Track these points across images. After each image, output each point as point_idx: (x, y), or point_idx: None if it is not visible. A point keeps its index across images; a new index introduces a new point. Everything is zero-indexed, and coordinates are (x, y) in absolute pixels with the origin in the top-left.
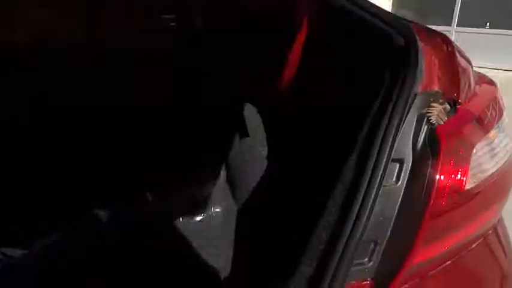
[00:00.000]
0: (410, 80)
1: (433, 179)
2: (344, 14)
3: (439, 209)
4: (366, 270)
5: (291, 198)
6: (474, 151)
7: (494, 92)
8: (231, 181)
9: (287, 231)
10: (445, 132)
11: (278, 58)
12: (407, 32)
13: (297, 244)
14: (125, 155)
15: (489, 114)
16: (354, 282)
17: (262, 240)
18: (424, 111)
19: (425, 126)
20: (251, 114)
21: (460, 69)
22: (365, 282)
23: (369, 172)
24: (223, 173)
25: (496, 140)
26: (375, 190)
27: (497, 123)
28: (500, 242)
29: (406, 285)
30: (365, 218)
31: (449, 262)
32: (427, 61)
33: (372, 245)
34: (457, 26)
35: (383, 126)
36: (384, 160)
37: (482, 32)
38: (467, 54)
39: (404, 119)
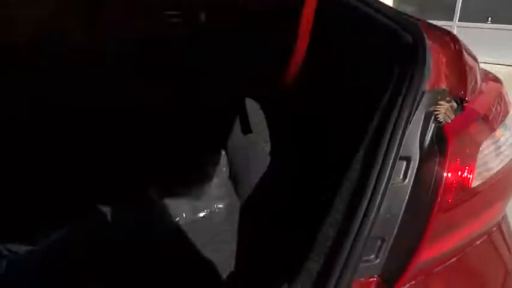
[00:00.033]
0: (418, 77)
1: (441, 177)
2: (349, 10)
3: (446, 206)
4: (373, 267)
5: (294, 195)
6: (480, 149)
7: (500, 89)
8: (233, 177)
9: (290, 227)
10: (452, 130)
11: (280, 56)
12: (415, 30)
13: (301, 240)
14: (125, 154)
15: (495, 112)
16: (362, 279)
17: (265, 236)
18: (432, 109)
19: (433, 124)
20: (254, 110)
21: (467, 67)
22: (372, 279)
23: (377, 170)
24: (225, 170)
25: (501, 139)
26: (382, 188)
27: (502, 121)
28: (504, 239)
29: (413, 282)
30: (373, 215)
31: (454, 259)
32: (435, 59)
33: (379, 242)
34: (458, 21)
35: (391, 124)
36: (392, 158)
37: (483, 27)
38: None
39: (412, 117)
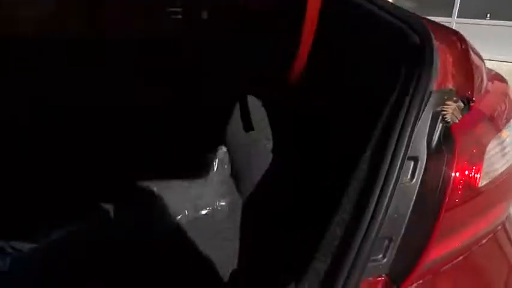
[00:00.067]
0: (425, 78)
1: (448, 177)
2: (353, 8)
3: (454, 206)
4: (381, 266)
5: (296, 193)
6: (487, 150)
7: (506, 88)
8: (235, 175)
9: (292, 225)
10: (460, 130)
11: (282, 56)
12: (422, 29)
13: (305, 239)
14: (126, 154)
15: (500, 112)
16: (370, 278)
17: (268, 235)
18: (439, 109)
19: (440, 124)
20: (256, 107)
21: (473, 67)
22: (380, 278)
23: (385, 170)
24: (227, 167)
25: (507, 139)
26: (390, 188)
27: (508, 121)
28: (508, 237)
29: (420, 281)
30: (381, 216)
31: (461, 258)
32: (442, 59)
33: (387, 242)
34: (457, 17)
35: (399, 124)
36: (400, 158)
37: (482, 23)
38: None
39: (420, 117)
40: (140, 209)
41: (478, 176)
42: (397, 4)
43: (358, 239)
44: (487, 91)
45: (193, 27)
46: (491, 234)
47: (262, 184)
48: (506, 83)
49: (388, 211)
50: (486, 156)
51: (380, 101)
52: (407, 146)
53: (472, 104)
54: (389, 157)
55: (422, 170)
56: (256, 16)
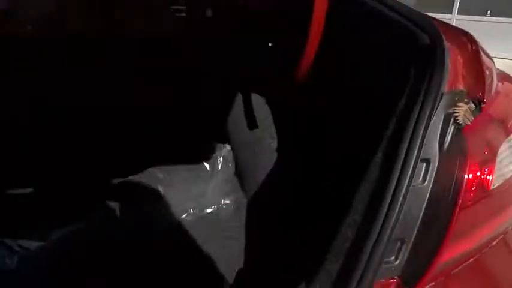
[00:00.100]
0: (437, 79)
1: (461, 179)
2: (361, 7)
3: (466, 207)
4: (393, 268)
5: (300, 192)
6: (499, 151)
7: None
8: (239, 173)
9: (297, 224)
10: (471, 132)
11: (286, 56)
12: (432, 30)
13: (311, 238)
14: (129, 154)
15: (511, 113)
16: (382, 280)
17: (273, 234)
18: (451, 110)
19: (452, 126)
20: (260, 105)
21: (484, 68)
22: (392, 280)
23: (398, 172)
24: (231, 165)
25: None
26: (404, 191)
27: None
28: None
29: (433, 284)
30: (394, 218)
31: (472, 260)
32: (453, 60)
33: (399, 244)
34: (457, 14)
35: (411, 126)
36: (413, 160)
37: (483, 20)
38: None
39: (432, 119)
40: (140, 209)
41: (490, 177)
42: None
43: (371, 242)
44: (497, 92)
45: (195, 27)
46: (501, 236)
47: (267, 183)
48: None
49: (401, 213)
50: (498, 158)
51: (389, 102)
52: (420, 148)
53: (483, 106)
54: (402, 159)
55: (435, 172)
56: (258, 16)
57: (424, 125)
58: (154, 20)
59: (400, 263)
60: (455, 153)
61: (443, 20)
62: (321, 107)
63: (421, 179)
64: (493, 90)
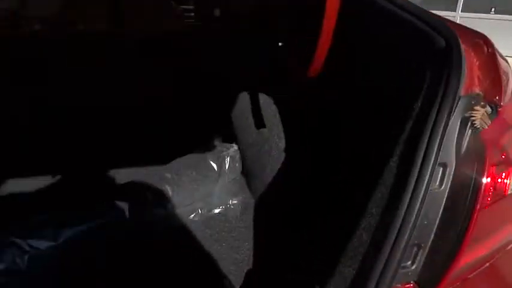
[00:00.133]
0: (454, 82)
1: (479, 183)
2: (376, 9)
3: (484, 212)
4: (410, 273)
5: (308, 193)
6: None
7: None
8: (246, 173)
9: (305, 225)
10: (489, 136)
11: (297, 54)
12: (448, 32)
13: (320, 240)
14: (131, 153)
15: None
16: (399, 285)
17: (280, 235)
18: (467, 114)
19: (469, 130)
20: (267, 105)
21: (500, 71)
22: (408, 285)
23: (415, 176)
24: (239, 165)
25: None
26: (421, 195)
27: None
28: None
29: None
30: (411, 223)
31: (487, 264)
32: (468, 63)
33: (415, 249)
34: (461, 11)
35: (428, 129)
36: (431, 164)
37: (487, 17)
38: None
39: (449, 123)
40: (149, 209)
41: (508, 181)
42: None
43: (388, 247)
44: None
45: (204, 27)
46: None
47: (274, 183)
48: None
49: (418, 218)
50: None
51: (402, 103)
52: (438, 152)
53: (499, 109)
54: (419, 163)
55: (451, 176)
56: (268, 15)
57: (441, 129)
58: (158, 20)
59: (416, 268)
60: (472, 157)
61: (447, 17)
62: (333, 101)
63: (437, 183)
64: (510, 93)
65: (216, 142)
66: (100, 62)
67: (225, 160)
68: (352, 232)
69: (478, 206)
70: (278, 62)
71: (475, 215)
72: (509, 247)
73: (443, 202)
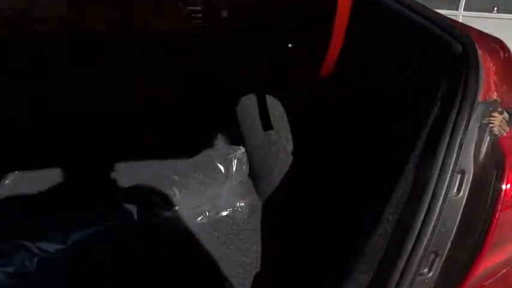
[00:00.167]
0: (473, 88)
1: (498, 190)
2: (391, 12)
3: (503, 218)
4: (426, 280)
5: (316, 194)
6: None
7: None
8: (253, 175)
9: (312, 227)
10: (508, 143)
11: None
12: (464, 38)
13: (329, 242)
14: (136, 154)
15: None
16: None
17: (288, 237)
18: (485, 121)
19: (488, 137)
20: (275, 107)
21: None
22: None
23: (433, 183)
24: (246, 167)
25: None
26: (440, 202)
27: None
28: None
29: None
30: (429, 232)
31: (504, 271)
32: (485, 68)
33: (433, 256)
34: (464, 10)
35: (446, 136)
36: (450, 171)
37: (489, 16)
38: None
39: (467, 129)
40: (156, 212)
41: None
42: None
43: (405, 255)
44: None
45: (211, 27)
46: None
47: (282, 185)
48: None
49: (437, 226)
50: None
51: (420, 110)
52: (457, 159)
53: None
54: (437, 171)
55: (470, 183)
56: (278, 16)
57: (460, 135)
58: (166, 20)
59: (433, 275)
60: (491, 164)
61: (449, 16)
62: (344, 103)
63: (455, 190)
64: None
65: (224, 144)
66: (100, 62)
67: (232, 162)
68: (368, 238)
69: (498, 213)
70: (286, 63)
71: (495, 221)
72: None
73: (461, 209)
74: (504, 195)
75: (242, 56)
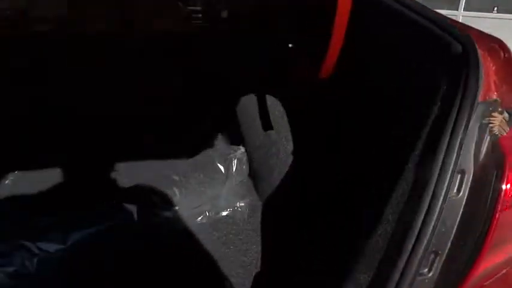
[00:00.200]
0: (473, 88)
1: (498, 190)
2: (391, 13)
3: (503, 218)
4: (426, 280)
5: (316, 195)
6: None
7: None
8: (253, 175)
9: (312, 227)
10: (508, 143)
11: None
12: (464, 37)
13: (329, 242)
14: (136, 154)
15: None
16: None
17: (288, 238)
18: (485, 121)
19: (488, 137)
20: (275, 107)
21: None
22: None
23: (433, 183)
24: (246, 167)
25: None
26: (440, 202)
27: None
28: None
29: None
30: (429, 232)
31: (504, 271)
32: (485, 68)
33: (433, 256)
34: (464, 10)
35: (446, 135)
36: (450, 171)
37: (490, 16)
38: None
39: (467, 129)
40: (156, 212)
41: None
42: None
43: (405, 255)
44: None
45: (211, 27)
46: None
47: (282, 185)
48: None
49: (437, 226)
50: None
51: (419, 109)
52: (457, 159)
53: None
54: (437, 171)
55: (470, 183)
56: (278, 16)
57: (460, 135)
58: (163, 19)
59: (433, 275)
60: (491, 164)
61: (448, 16)
62: (344, 103)
63: (455, 190)
64: None
65: (224, 144)
66: (100, 62)
67: (232, 162)
68: (368, 238)
69: (498, 213)
70: (286, 63)
71: (495, 221)
72: None
73: (461, 209)
74: (504, 195)
75: (242, 56)
